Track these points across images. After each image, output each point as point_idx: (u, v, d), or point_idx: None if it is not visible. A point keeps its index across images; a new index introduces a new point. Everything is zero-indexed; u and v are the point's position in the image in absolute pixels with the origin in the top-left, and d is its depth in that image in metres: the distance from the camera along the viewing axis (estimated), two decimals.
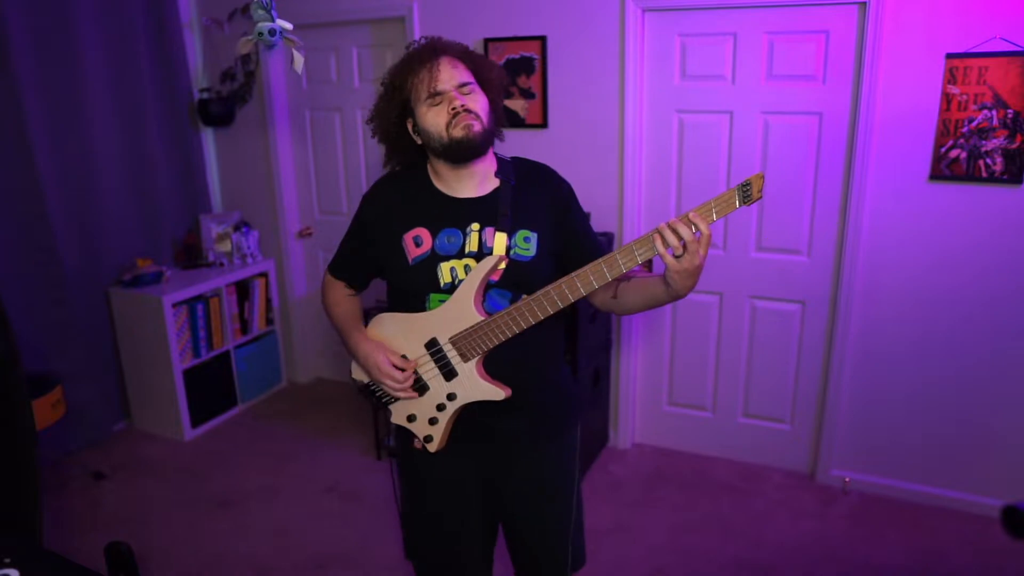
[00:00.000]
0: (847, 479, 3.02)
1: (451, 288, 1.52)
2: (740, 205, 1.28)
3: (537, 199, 1.58)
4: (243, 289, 3.85)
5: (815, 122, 2.80)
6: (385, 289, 1.68)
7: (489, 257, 1.49)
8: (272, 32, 2.05)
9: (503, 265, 1.51)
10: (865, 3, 2.57)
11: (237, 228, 3.93)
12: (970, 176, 2.55)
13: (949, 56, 2.48)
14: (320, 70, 3.74)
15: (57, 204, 3.22)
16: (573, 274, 1.40)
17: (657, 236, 1.32)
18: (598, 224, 3.15)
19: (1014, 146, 2.47)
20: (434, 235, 1.54)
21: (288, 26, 2.09)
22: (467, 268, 1.52)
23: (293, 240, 4.02)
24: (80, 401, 3.34)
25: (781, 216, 2.93)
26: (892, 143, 2.65)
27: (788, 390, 3.12)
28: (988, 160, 2.52)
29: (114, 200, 3.50)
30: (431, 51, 1.50)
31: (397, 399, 1.62)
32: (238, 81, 3.75)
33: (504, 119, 1.61)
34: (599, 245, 1.63)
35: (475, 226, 1.53)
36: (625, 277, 1.50)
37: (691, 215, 1.29)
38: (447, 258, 1.53)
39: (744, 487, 3.09)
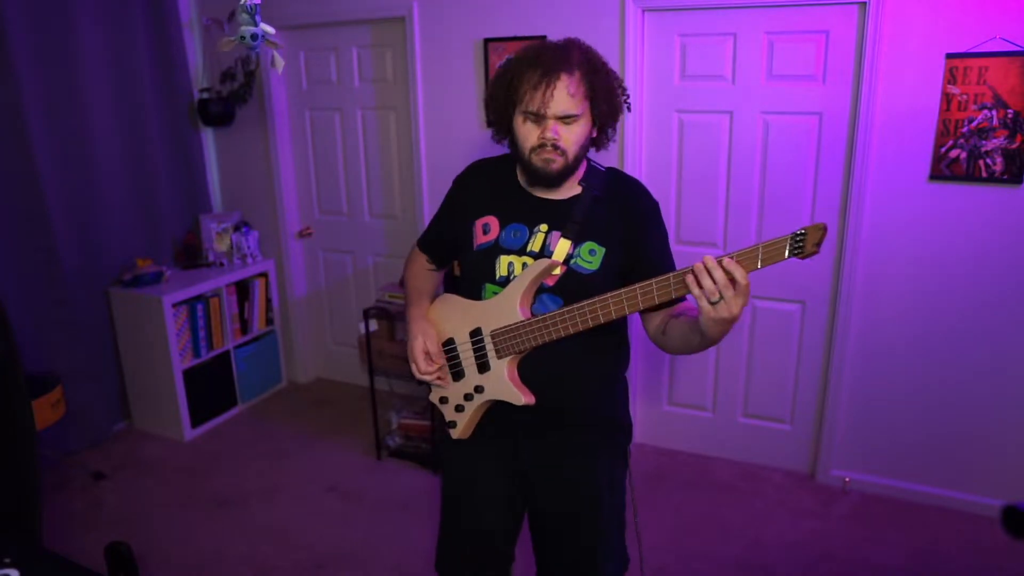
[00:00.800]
0: (847, 479, 3.02)
1: (505, 282, 1.53)
2: (789, 257, 1.18)
3: (614, 214, 1.54)
4: (243, 289, 3.85)
5: (815, 122, 2.80)
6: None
7: (542, 260, 1.48)
8: (254, 36, 2.08)
9: (558, 271, 1.49)
10: (865, 3, 2.57)
11: (237, 228, 3.93)
12: (970, 176, 2.55)
13: (949, 56, 2.48)
14: (320, 70, 3.74)
15: (57, 204, 3.22)
16: (609, 294, 1.37)
17: (690, 275, 1.25)
18: None
19: (1014, 146, 2.47)
20: (502, 226, 1.55)
21: (271, 30, 2.12)
22: (524, 266, 1.52)
23: (293, 240, 4.02)
24: (80, 401, 3.34)
25: (781, 216, 2.93)
26: (892, 143, 2.65)
27: (788, 390, 3.12)
28: (988, 160, 2.52)
29: (114, 200, 3.50)
30: (556, 62, 1.41)
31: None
32: (238, 81, 3.75)
33: (610, 135, 1.56)
34: (669, 269, 1.52)
35: (543, 227, 1.53)
36: (679, 312, 1.47)
37: (726, 262, 1.21)
38: (508, 252, 1.54)
39: (744, 487, 3.09)
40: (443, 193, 1.77)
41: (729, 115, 2.92)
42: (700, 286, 1.24)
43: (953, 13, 2.46)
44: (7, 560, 1.27)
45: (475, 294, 1.58)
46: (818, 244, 1.16)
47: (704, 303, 1.24)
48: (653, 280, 1.32)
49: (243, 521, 2.92)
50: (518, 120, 1.47)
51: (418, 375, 1.61)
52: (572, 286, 1.49)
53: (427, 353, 1.60)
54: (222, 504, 3.04)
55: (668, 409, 3.38)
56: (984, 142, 2.50)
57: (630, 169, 3.05)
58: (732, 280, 1.22)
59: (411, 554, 2.68)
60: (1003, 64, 2.42)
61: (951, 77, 2.50)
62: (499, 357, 1.53)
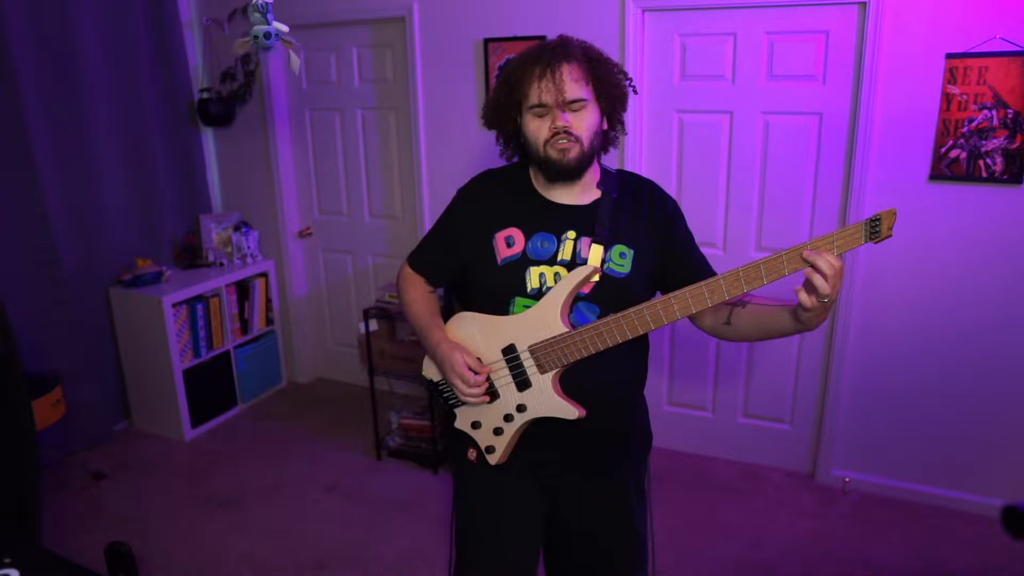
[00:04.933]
0: (847, 479, 3.02)
1: (538, 294, 1.46)
2: (866, 242, 1.21)
3: (638, 215, 1.52)
4: (243, 289, 3.85)
5: (815, 122, 2.80)
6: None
7: (583, 267, 1.43)
8: (267, 35, 2.07)
9: (596, 278, 1.45)
10: (865, 3, 2.57)
11: (237, 228, 3.93)
12: (970, 176, 2.55)
13: (949, 56, 2.48)
14: (320, 70, 3.74)
15: (57, 204, 3.22)
16: (671, 295, 1.34)
17: (805, 264, 1.25)
18: None
19: (1014, 146, 2.47)
20: (527, 237, 1.49)
21: (284, 28, 2.10)
22: (557, 276, 1.46)
23: (293, 240, 4.02)
24: (80, 401, 3.34)
25: (781, 216, 2.93)
26: (892, 143, 2.65)
27: (788, 390, 3.12)
28: (988, 160, 2.52)
29: (114, 200, 3.50)
30: (554, 55, 1.41)
31: (465, 403, 1.55)
32: (238, 81, 3.75)
33: (620, 130, 1.56)
34: (705, 266, 1.56)
35: (571, 234, 1.48)
36: (740, 302, 1.44)
37: (820, 253, 1.24)
38: (537, 263, 1.48)
39: (744, 487, 3.09)
40: (443, 193, 1.75)
41: (729, 115, 2.92)
42: (822, 272, 1.24)
43: (953, 13, 2.46)
44: (7, 560, 1.27)
45: (501, 310, 1.50)
46: (891, 228, 1.21)
47: (804, 297, 1.26)
48: (720, 276, 1.30)
49: (243, 521, 2.92)
50: (526, 119, 1.45)
51: (467, 390, 1.48)
52: (608, 292, 1.46)
53: (470, 367, 1.49)
54: (222, 504, 3.04)
55: (668, 409, 3.38)
56: (984, 142, 2.50)
57: (630, 169, 3.05)
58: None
59: (411, 554, 2.68)
60: (1003, 64, 2.42)
61: (951, 77, 2.50)
62: (542, 372, 1.45)
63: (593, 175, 1.53)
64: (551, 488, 1.60)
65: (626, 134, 1.58)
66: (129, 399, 3.68)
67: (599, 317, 1.45)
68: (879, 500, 2.95)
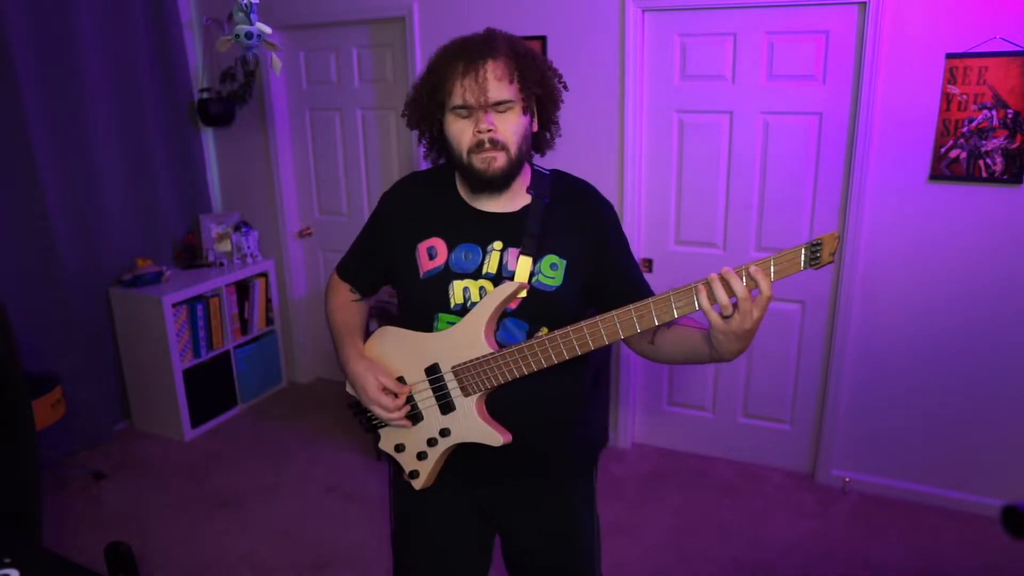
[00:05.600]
0: (847, 479, 3.02)
1: (462, 310, 1.35)
2: (805, 268, 1.10)
3: (572, 222, 1.40)
4: (243, 289, 3.85)
5: (815, 122, 2.80)
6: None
7: (508, 284, 1.32)
8: (249, 35, 2.07)
9: (523, 294, 1.34)
10: (865, 3, 2.57)
11: (237, 228, 3.93)
12: (970, 176, 2.55)
13: (949, 56, 2.48)
14: (320, 70, 3.74)
15: (57, 204, 3.22)
16: (599, 318, 1.23)
17: (703, 288, 1.13)
18: None
19: (1014, 146, 2.47)
20: (450, 248, 1.38)
21: (267, 30, 2.10)
22: (482, 291, 1.35)
23: (293, 240, 4.02)
24: (80, 401, 3.34)
25: (781, 216, 2.93)
26: (892, 143, 2.65)
27: (788, 390, 3.12)
28: (988, 160, 2.52)
29: (114, 200, 3.50)
30: (480, 51, 1.29)
31: (388, 423, 1.46)
32: (238, 81, 3.75)
33: (554, 132, 1.44)
34: (639, 281, 1.45)
35: (497, 245, 1.37)
36: (666, 324, 1.29)
37: (752, 270, 1.11)
38: (461, 276, 1.36)
39: (744, 487, 3.09)
40: None
41: (729, 115, 2.92)
42: (712, 299, 1.12)
43: (953, 13, 2.46)
44: (7, 560, 1.27)
45: (424, 326, 1.39)
46: (833, 253, 1.09)
47: (714, 316, 1.15)
48: (651, 299, 1.19)
49: (243, 521, 2.92)
50: (448, 120, 1.32)
51: (386, 415, 1.39)
52: (537, 307, 1.35)
53: (386, 389, 1.39)
54: (222, 504, 3.04)
55: (668, 409, 3.38)
56: (984, 142, 2.50)
57: (630, 170, 3.05)
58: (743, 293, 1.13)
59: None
60: (1003, 64, 2.42)
61: (951, 77, 2.50)
62: (466, 395, 1.35)
63: (523, 179, 1.40)
64: (489, 506, 1.52)
65: (560, 135, 1.45)
66: (129, 399, 3.68)
67: (528, 333, 1.36)
68: (879, 500, 2.95)
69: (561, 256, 1.37)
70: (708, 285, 1.13)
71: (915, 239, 2.71)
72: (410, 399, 1.41)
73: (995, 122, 2.47)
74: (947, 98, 2.52)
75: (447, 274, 1.37)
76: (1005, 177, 2.51)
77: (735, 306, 1.13)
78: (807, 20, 2.71)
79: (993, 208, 2.57)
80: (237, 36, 2.05)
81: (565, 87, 1.42)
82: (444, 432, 1.39)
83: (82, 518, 2.94)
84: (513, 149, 1.31)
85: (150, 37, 3.58)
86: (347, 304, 1.57)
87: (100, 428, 3.51)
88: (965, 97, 2.49)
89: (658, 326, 1.23)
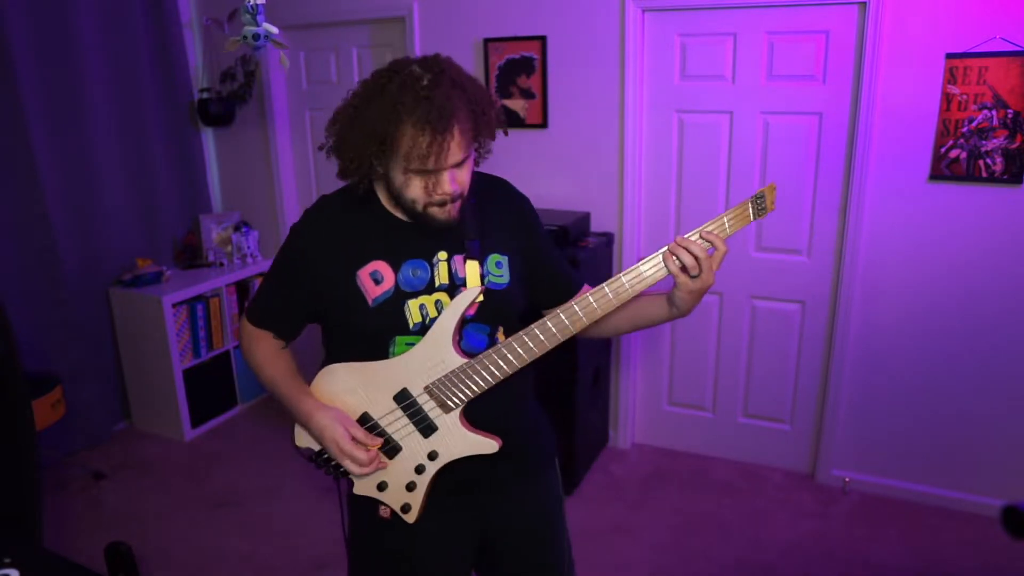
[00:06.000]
0: (847, 479, 3.02)
1: (422, 329, 1.30)
2: (755, 218, 1.21)
3: (502, 219, 1.41)
4: (243, 289, 3.85)
5: (815, 122, 2.80)
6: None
7: (467, 291, 1.29)
8: (256, 36, 2.07)
9: (480, 298, 1.32)
10: (865, 3, 2.57)
11: (237, 228, 3.93)
12: (970, 176, 2.55)
13: (949, 56, 2.48)
14: (320, 70, 3.74)
15: (57, 204, 3.22)
16: (574, 301, 1.25)
17: (670, 256, 1.21)
18: (598, 224, 3.15)
19: (1014, 146, 2.47)
20: (396, 269, 1.31)
21: (274, 30, 2.11)
22: (438, 304, 1.31)
23: None
24: (80, 401, 3.34)
25: (781, 216, 2.93)
26: (892, 143, 2.65)
27: (788, 390, 3.12)
28: (988, 160, 2.52)
29: (114, 200, 3.50)
30: (445, 116, 1.18)
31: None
32: (238, 81, 3.75)
33: (504, 130, 1.38)
34: (565, 265, 1.52)
35: (442, 255, 1.33)
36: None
37: (706, 232, 1.20)
38: (415, 294, 1.31)
39: (744, 487, 3.09)
40: None
41: (729, 115, 2.91)
42: (680, 263, 1.21)
43: (953, 13, 2.46)
44: (7, 560, 1.27)
45: (379, 353, 1.33)
46: (773, 202, 1.22)
47: (684, 278, 1.22)
48: (622, 273, 1.23)
49: (243, 521, 2.92)
50: (403, 175, 1.24)
51: (359, 470, 1.31)
52: (493, 308, 1.35)
53: (355, 440, 1.31)
54: (222, 504, 3.04)
55: (668, 409, 3.38)
56: (984, 142, 2.50)
57: (630, 170, 3.05)
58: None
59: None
60: (1003, 64, 2.42)
61: (951, 77, 2.50)
62: (447, 412, 1.31)
63: None
64: (468, 520, 1.47)
65: (506, 134, 1.40)
66: (129, 399, 3.68)
67: (489, 335, 1.35)
68: (879, 500, 2.95)
69: (502, 253, 1.38)
70: (674, 253, 1.21)
71: (915, 239, 2.71)
72: (381, 432, 1.35)
73: (995, 122, 2.47)
74: (947, 98, 2.52)
75: (399, 295, 1.31)
76: (1005, 177, 2.51)
77: (699, 266, 1.21)
78: (807, 20, 2.71)
79: (993, 208, 2.57)
80: (245, 38, 2.05)
81: (503, 128, 1.35)
82: (432, 455, 1.34)
83: (82, 518, 2.94)
84: (467, 192, 1.30)
85: (150, 37, 3.58)
86: (276, 353, 1.46)
87: (100, 428, 3.51)
88: (965, 97, 2.49)
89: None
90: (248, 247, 3.91)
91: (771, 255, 3.01)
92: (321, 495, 3.09)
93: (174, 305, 3.45)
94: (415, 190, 1.25)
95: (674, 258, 1.21)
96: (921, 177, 2.64)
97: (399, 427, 1.34)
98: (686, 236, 1.21)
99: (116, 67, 3.44)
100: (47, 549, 1.45)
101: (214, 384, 3.73)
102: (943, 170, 2.59)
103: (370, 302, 1.31)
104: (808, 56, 2.74)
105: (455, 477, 1.38)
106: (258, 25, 2.10)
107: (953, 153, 2.56)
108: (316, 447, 1.41)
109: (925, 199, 2.65)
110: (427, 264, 1.33)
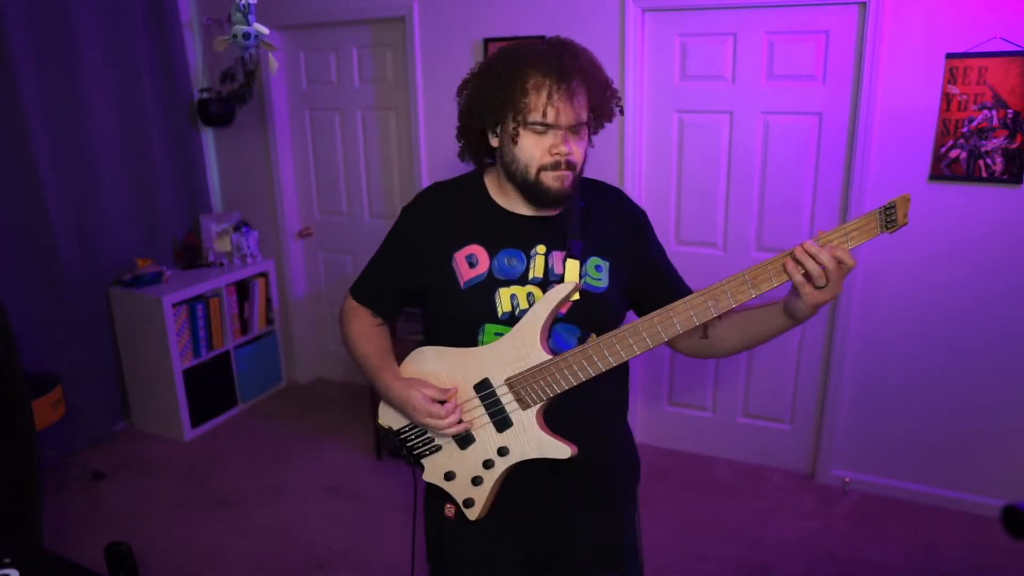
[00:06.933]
0: (847, 479, 3.02)
1: (511, 319, 1.29)
2: (883, 231, 1.10)
3: (610, 225, 1.38)
4: (243, 289, 3.85)
5: (815, 122, 2.80)
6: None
7: (563, 284, 1.26)
8: (246, 35, 2.06)
9: (576, 297, 1.29)
10: (865, 3, 2.57)
11: (237, 228, 3.93)
12: (970, 176, 2.55)
13: (949, 56, 2.48)
14: (320, 70, 3.74)
15: (57, 204, 3.22)
16: (667, 308, 1.19)
17: (794, 266, 1.13)
18: None
19: (1014, 146, 2.47)
20: (492, 255, 1.32)
21: (264, 31, 2.10)
22: (530, 297, 1.29)
23: (293, 240, 4.02)
24: (80, 401, 3.34)
25: (781, 216, 2.93)
26: (892, 143, 2.65)
27: (788, 390, 3.12)
28: (988, 160, 2.52)
29: (114, 200, 3.50)
30: (569, 70, 1.22)
31: (433, 451, 1.37)
32: (238, 81, 3.75)
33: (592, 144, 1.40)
34: (680, 281, 1.44)
35: (541, 249, 1.32)
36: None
37: (832, 248, 1.12)
38: (507, 283, 1.30)
39: (744, 487, 3.09)
40: None
41: (729, 115, 2.92)
42: (805, 271, 1.13)
43: (953, 13, 2.46)
44: (7, 560, 1.27)
45: (468, 340, 1.32)
46: (906, 215, 1.10)
47: (808, 288, 1.14)
48: (722, 282, 1.17)
49: (243, 521, 2.92)
50: (519, 134, 1.25)
51: (440, 424, 1.29)
52: (587, 309, 1.31)
53: (435, 401, 1.30)
54: (222, 504, 3.04)
55: (668, 409, 3.38)
56: (984, 142, 2.50)
57: (630, 170, 3.05)
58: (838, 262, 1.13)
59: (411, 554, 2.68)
60: (1003, 64, 2.42)
61: (951, 77, 2.50)
62: (524, 408, 1.28)
63: None
64: (529, 537, 1.43)
65: (593, 146, 1.41)
66: (129, 399, 3.68)
67: (579, 339, 1.31)
68: (879, 500, 2.95)
69: (604, 258, 1.35)
70: (799, 261, 1.13)
71: (915, 239, 2.71)
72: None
73: (995, 122, 2.47)
74: (947, 98, 2.52)
75: (491, 282, 1.30)
76: (1005, 177, 2.51)
77: (826, 275, 1.13)
78: (807, 20, 2.71)
79: (993, 208, 2.57)
80: (235, 36, 2.05)
81: (622, 111, 1.37)
82: (502, 451, 1.30)
83: (82, 518, 2.94)
84: (580, 169, 1.30)
85: (150, 37, 3.58)
86: (371, 330, 1.48)
87: (100, 428, 3.51)
88: (965, 97, 2.49)
89: (708, 320, 1.22)
90: (248, 247, 3.91)
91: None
92: (321, 495, 3.09)
93: (174, 305, 3.45)
94: (530, 149, 1.25)
95: (799, 267, 1.14)
96: (921, 177, 2.64)
97: (476, 416, 1.32)
98: (811, 244, 1.13)
99: (116, 67, 3.44)
100: (47, 549, 1.45)
101: (214, 384, 3.73)
102: (943, 170, 2.59)
103: (462, 284, 1.31)
104: (808, 56, 2.74)
105: (524, 486, 1.35)
106: (249, 24, 2.10)
107: (953, 153, 2.56)
108: (397, 425, 1.41)
109: (925, 199, 2.65)
110: (524, 255, 1.32)
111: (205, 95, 3.77)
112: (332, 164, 3.87)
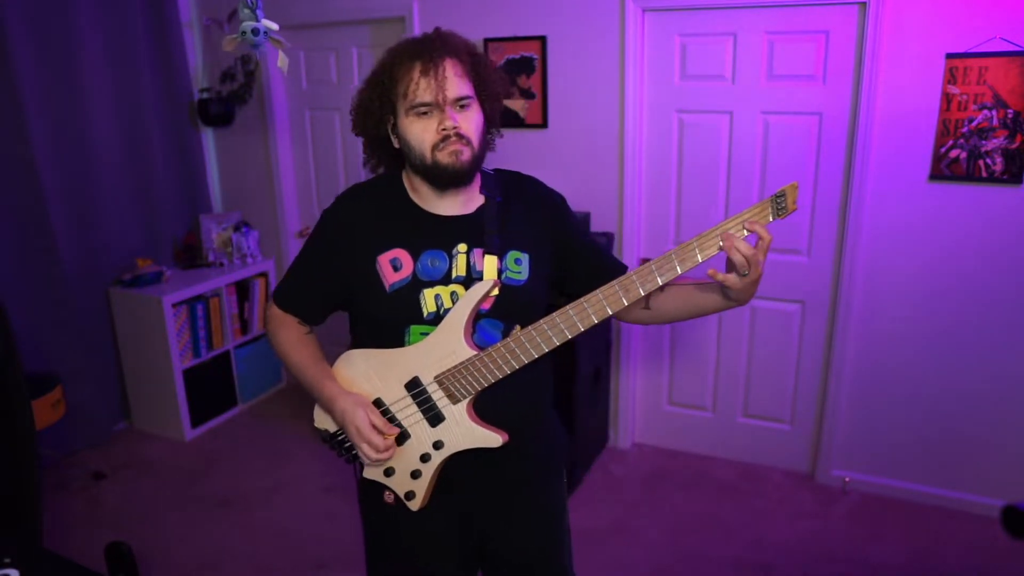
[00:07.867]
0: (847, 479, 3.02)
1: (436, 319, 1.33)
2: (775, 218, 1.18)
3: (527, 216, 1.42)
4: (243, 289, 3.85)
5: (815, 122, 2.80)
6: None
7: (481, 283, 1.31)
8: (255, 32, 2.04)
9: (496, 292, 1.33)
10: (865, 3, 2.57)
11: (237, 228, 3.93)
12: (970, 176, 2.55)
13: (949, 56, 2.48)
14: (320, 70, 3.74)
15: (57, 204, 3.22)
16: (584, 299, 1.24)
17: (728, 242, 1.18)
18: (598, 224, 3.15)
19: (1014, 146, 2.47)
20: (415, 257, 1.34)
21: (274, 26, 2.08)
22: (454, 296, 1.33)
23: (293, 240, 4.02)
24: (80, 401, 3.34)
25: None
26: (892, 143, 2.65)
27: (788, 390, 3.12)
28: (988, 160, 2.52)
29: (114, 200, 3.50)
30: (434, 48, 1.28)
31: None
32: (238, 81, 3.75)
33: (498, 130, 1.44)
34: (607, 256, 1.50)
35: (462, 247, 1.35)
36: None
37: (748, 224, 1.18)
38: (431, 284, 1.33)
39: (744, 487, 3.09)
40: None
41: (729, 115, 2.91)
42: (740, 253, 1.19)
43: (953, 13, 2.46)
44: (7, 560, 1.27)
45: (394, 341, 1.35)
46: (795, 201, 1.19)
47: (733, 279, 1.22)
48: (632, 272, 1.23)
49: (243, 521, 2.92)
50: (406, 123, 1.29)
51: (374, 456, 1.33)
52: (509, 303, 1.35)
53: (374, 427, 1.34)
54: (222, 504, 3.04)
55: (668, 409, 3.38)
56: (984, 142, 2.50)
57: (630, 170, 3.05)
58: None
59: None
60: (1003, 64, 2.42)
61: (951, 77, 2.50)
62: (454, 403, 1.33)
63: (475, 181, 1.39)
64: (472, 519, 1.49)
65: (500, 136, 1.45)
66: (129, 399, 3.68)
67: (503, 332, 1.35)
68: (879, 500, 2.95)
69: (523, 250, 1.38)
70: (729, 238, 1.18)
71: (915, 239, 2.71)
72: (392, 418, 1.38)
73: (995, 122, 2.47)
74: (947, 98, 2.52)
75: (416, 284, 1.33)
76: (1005, 177, 2.51)
77: (747, 263, 1.19)
78: (807, 20, 2.71)
79: (993, 208, 2.57)
80: (244, 33, 2.03)
81: (508, 95, 1.42)
82: (437, 445, 1.36)
83: (82, 518, 2.94)
84: (476, 144, 1.31)
85: (150, 37, 3.58)
86: (300, 339, 1.48)
87: (100, 428, 3.51)
88: (965, 97, 2.49)
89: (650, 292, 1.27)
90: (248, 247, 3.91)
91: (771, 255, 2.93)
92: (321, 495, 3.09)
93: (174, 305, 3.44)
94: (419, 133, 1.29)
95: (721, 245, 1.20)
96: (921, 177, 2.64)
97: (408, 415, 1.37)
98: (726, 231, 1.19)
99: (116, 67, 3.44)
100: (47, 549, 1.45)
101: (214, 384, 3.73)
102: (943, 170, 2.59)
103: (387, 288, 1.34)
104: (808, 56, 2.74)
105: (460, 473, 1.40)
106: (257, 20, 2.08)
107: (953, 153, 2.56)
108: (333, 428, 1.45)
109: (925, 199, 2.65)
110: (446, 255, 1.35)
111: (205, 95, 3.77)
112: (332, 164, 3.87)
